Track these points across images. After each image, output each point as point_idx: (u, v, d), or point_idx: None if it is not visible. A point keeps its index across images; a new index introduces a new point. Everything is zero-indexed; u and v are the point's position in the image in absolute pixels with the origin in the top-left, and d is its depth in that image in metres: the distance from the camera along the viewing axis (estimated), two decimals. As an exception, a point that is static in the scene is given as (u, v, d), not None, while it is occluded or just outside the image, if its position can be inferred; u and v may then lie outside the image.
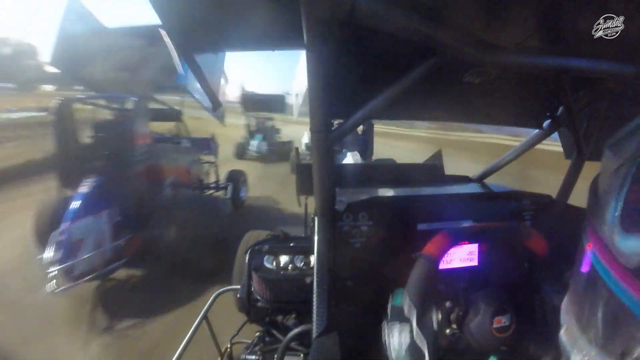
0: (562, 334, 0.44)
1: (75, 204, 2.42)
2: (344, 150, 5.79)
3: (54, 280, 2.20)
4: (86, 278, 2.37)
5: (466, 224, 0.95)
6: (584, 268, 0.39)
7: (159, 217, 2.82)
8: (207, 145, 4.05)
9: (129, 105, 2.98)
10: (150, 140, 3.05)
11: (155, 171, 3.06)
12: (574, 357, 0.39)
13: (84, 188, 2.54)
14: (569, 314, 0.43)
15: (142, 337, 2.20)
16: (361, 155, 5.77)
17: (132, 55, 2.99)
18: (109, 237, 2.58)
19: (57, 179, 2.78)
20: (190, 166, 3.69)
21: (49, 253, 2.24)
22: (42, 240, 2.49)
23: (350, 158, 5.49)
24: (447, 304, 0.77)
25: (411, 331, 0.65)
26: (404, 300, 0.68)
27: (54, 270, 2.20)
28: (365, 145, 6.15)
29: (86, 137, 2.96)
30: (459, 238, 0.74)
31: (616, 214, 0.35)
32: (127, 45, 2.98)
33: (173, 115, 3.62)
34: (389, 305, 0.74)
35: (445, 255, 0.73)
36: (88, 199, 2.49)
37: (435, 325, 0.65)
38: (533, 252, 0.78)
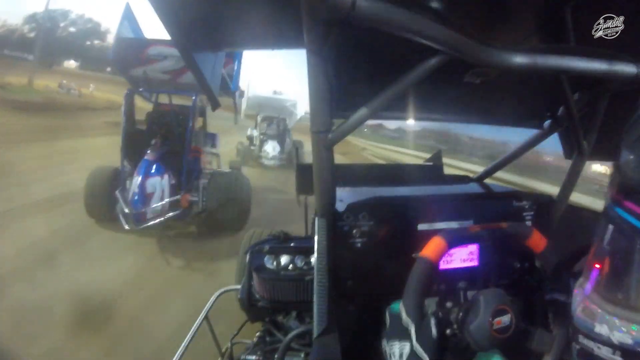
0: (580, 312, 0.44)
1: (145, 167, 3.41)
2: (267, 139, 8.07)
3: (130, 221, 3.25)
4: (154, 222, 3.35)
5: (467, 224, 0.95)
6: (609, 232, 0.41)
7: (202, 183, 3.94)
8: (214, 139, 4.89)
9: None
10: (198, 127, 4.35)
11: (196, 150, 4.21)
12: (600, 329, 0.40)
13: (151, 156, 3.52)
14: (590, 289, 0.43)
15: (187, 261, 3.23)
16: (279, 143, 8.16)
17: (175, 63, 3.74)
18: (168, 194, 3.56)
19: (123, 150, 3.80)
20: (206, 152, 4.78)
21: (125, 199, 3.38)
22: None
23: (270, 145, 7.79)
24: (447, 304, 0.76)
25: (410, 341, 0.65)
26: (401, 308, 0.68)
27: (132, 212, 3.23)
28: (284, 136, 8.50)
29: (151, 120, 4.09)
30: (455, 241, 0.74)
31: None
32: (170, 53, 3.70)
33: (200, 111, 4.45)
34: (387, 314, 0.74)
35: (445, 255, 0.73)
36: (154, 164, 3.49)
37: (434, 332, 0.65)
38: (533, 252, 0.78)
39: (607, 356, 0.39)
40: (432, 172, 1.53)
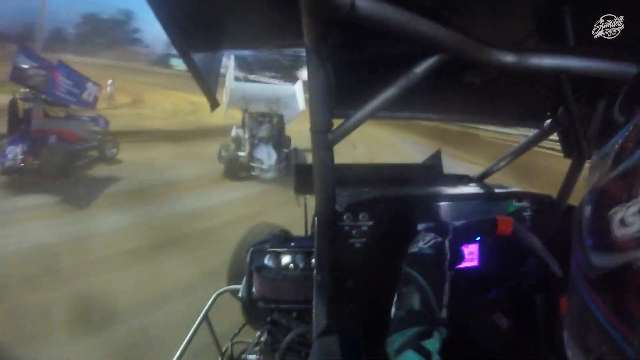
0: (564, 333, 0.44)
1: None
2: (260, 142, 6.67)
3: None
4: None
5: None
6: (572, 273, 0.40)
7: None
8: None
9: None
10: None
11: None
12: (570, 355, 0.40)
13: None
14: (566, 315, 0.44)
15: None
16: (276, 148, 6.70)
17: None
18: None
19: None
20: None
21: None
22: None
23: (264, 152, 6.46)
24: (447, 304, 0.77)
25: (443, 240, 0.67)
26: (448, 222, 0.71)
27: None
28: (279, 138, 6.99)
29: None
30: (518, 233, 0.74)
31: (587, 225, 0.35)
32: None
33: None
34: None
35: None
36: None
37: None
38: (533, 252, 0.78)
39: None
40: (432, 172, 1.53)
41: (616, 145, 0.36)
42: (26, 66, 5.00)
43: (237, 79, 6.97)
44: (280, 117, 7.05)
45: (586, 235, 0.35)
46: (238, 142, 7.12)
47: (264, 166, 6.31)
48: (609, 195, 0.33)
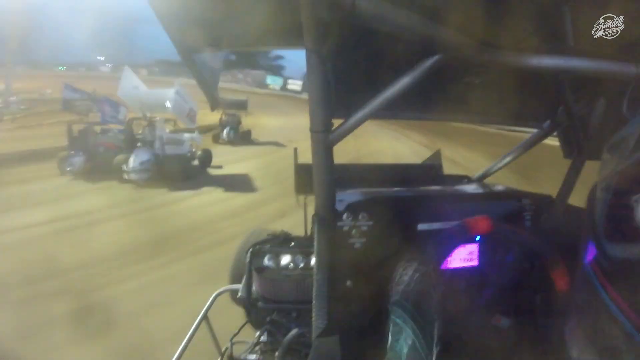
0: (566, 331, 0.44)
1: None
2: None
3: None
4: None
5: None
6: (583, 267, 0.40)
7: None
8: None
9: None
10: None
11: None
12: (572, 352, 0.40)
13: None
14: (571, 310, 0.44)
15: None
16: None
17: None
18: None
19: None
20: None
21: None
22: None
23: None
24: (447, 304, 0.76)
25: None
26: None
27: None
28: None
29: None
30: (499, 231, 0.75)
31: (602, 220, 0.36)
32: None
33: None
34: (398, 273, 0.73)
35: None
36: None
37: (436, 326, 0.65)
38: (533, 253, 0.78)
39: None
40: (432, 172, 1.53)
41: (630, 135, 0.36)
42: (75, 97, 7.28)
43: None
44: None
45: (601, 226, 0.35)
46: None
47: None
48: (629, 182, 0.33)
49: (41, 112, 13.46)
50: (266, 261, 1.15)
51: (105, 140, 7.12)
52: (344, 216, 0.89)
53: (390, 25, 0.53)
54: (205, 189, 6.24)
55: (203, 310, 1.25)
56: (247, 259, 1.16)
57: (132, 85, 7.29)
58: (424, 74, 0.64)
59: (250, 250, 1.18)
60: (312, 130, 0.70)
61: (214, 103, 0.90)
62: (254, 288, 1.17)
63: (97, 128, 7.27)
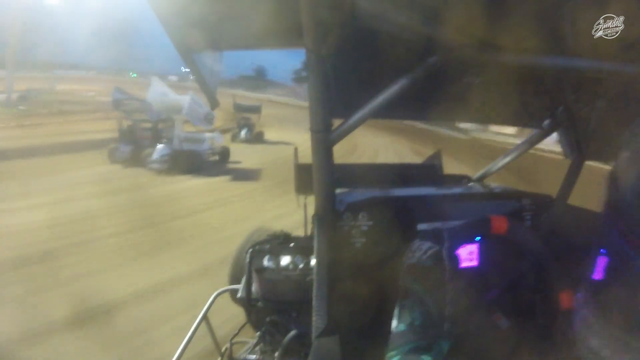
0: (579, 324, 0.45)
1: None
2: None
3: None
4: None
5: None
6: (605, 259, 0.41)
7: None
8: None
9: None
10: None
11: None
12: (593, 343, 0.40)
13: None
14: (587, 305, 0.44)
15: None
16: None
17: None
18: None
19: None
20: None
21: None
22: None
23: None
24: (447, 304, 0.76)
25: (439, 249, 0.66)
26: (443, 229, 0.69)
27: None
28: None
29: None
30: (514, 232, 0.75)
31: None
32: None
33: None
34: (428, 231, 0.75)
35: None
36: None
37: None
38: (530, 251, 0.78)
39: None
40: (432, 172, 1.53)
41: None
42: (123, 98, 8.38)
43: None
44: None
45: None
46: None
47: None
48: None
49: (83, 110, 15.66)
50: (266, 261, 1.15)
51: (149, 135, 8.77)
52: (344, 216, 0.89)
53: (390, 26, 0.53)
54: (221, 177, 7.57)
55: (203, 311, 1.25)
56: (247, 259, 1.16)
57: (161, 92, 8.78)
58: (423, 74, 0.63)
59: (250, 250, 1.18)
60: (312, 130, 0.70)
61: (214, 103, 0.90)
62: (253, 288, 1.17)
63: (146, 124, 8.85)
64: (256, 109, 14.05)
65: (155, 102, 8.68)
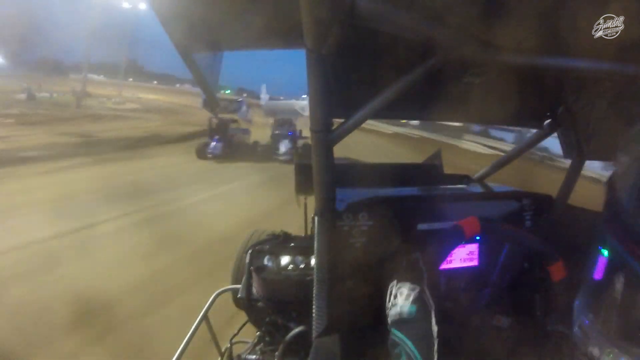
0: (577, 330, 0.45)
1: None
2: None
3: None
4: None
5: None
6: (602, 261, 0.41)
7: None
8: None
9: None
10: None
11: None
12: (591, 350, 0.40)
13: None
14: (585, 309, 0.44)
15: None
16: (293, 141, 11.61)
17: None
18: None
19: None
20: None
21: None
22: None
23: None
24: (447, 304, 0.76)
25: (421, 285, 0.64)
26: (419, 258, 0.68)
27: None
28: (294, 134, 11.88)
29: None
30: (489, 230, 0.73)
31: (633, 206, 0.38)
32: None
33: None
34: (404, 259, 0.72)
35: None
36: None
37: (443, 288, 0.65)
38: (534, 253, 0.78)
39: None
40: (432, 172, 1.53)
41: None
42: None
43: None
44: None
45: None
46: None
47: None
48: None
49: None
50: (265, 261, 1.15)
51: (234, 132, 11.12)
52: (344, 216, 0.89)
53: (390, 26, 0.53)
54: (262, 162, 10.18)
55: (203, 311, 1.25)
56: (247, 260, 1.16)
57: (268, 97, 11.88)
58: (424, 74, 0.63)
59: (250, 250, 1.18)
60: (312, 130, 0.70)
61: (214, 103, 0.90)
62: (253, 288, 1.17)
63: (235, 124, 11.29)
64: (294, 111, 14.34)
65: (268, 105, 12.44)
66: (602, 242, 0.44)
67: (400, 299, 0.64)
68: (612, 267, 0.41)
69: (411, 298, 0.63)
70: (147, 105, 25.57)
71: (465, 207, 1.02)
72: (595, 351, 0.40)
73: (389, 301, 0.66)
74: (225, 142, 10.07)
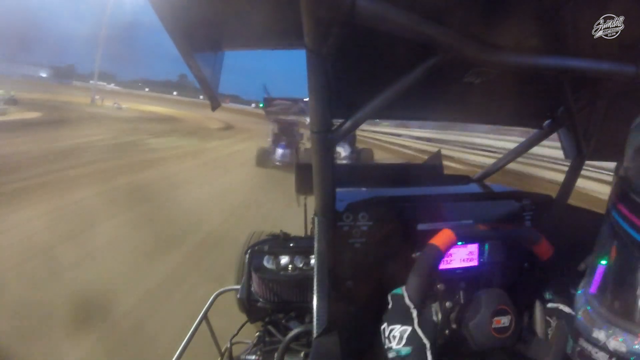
0: (581, 314, 0.44)
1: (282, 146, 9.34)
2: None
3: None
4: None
5: (467, 224, 0.95)
6: (610, 244, 0.41)
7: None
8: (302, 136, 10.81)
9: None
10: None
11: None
12: (597, 335, 0.40)
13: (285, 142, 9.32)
14: (590, 295, 0.44)
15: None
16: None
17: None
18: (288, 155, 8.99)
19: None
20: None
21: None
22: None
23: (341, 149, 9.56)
24: (447, 304, 0.76)
25: (412, 324, 0.64)
26: (404, 292, 0.67)
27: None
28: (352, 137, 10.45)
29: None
30: (464, 236, 0.73)
31: None
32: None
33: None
34: (389, 298, 0.73)
35: (446, 255, 0.73)
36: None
37: (436, 318, 0.65)
38: (534, 254, 0.78)
39: None
40: (432, 172, 1.53)
41: None
42: (273, 98, 9.93)
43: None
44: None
45: None
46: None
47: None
48: None
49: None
50: (265, 262, 1.15)
51: (300, 137, 10.29)
52: (344, 216, 0.89)
53: (390, 25, 0.53)
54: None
55: (203, 311, 1.25)
56: (247, 260, 1.16)
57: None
58: (424, 74, 0.63)
59: (249, 251, 1.18)
60: (312, 130, 0.70)
61: (215, 103, 0.90)
62: (253, 288, 1.17)
63: (299, 129, 10.41)
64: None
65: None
66: (610, 227, 0.44)
67: (394, 342, 0.64)
68: (621, 249, 0.41)
69: (403, 341, 0.63)
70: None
71: (465, 208, 1.02)
72: (601, 336, 0.40)
73: (384, 343, 0.67)
74: (292, 148, 9.00)
